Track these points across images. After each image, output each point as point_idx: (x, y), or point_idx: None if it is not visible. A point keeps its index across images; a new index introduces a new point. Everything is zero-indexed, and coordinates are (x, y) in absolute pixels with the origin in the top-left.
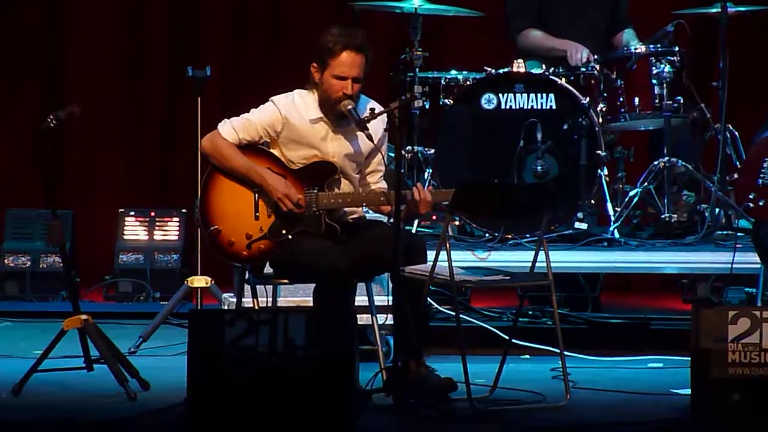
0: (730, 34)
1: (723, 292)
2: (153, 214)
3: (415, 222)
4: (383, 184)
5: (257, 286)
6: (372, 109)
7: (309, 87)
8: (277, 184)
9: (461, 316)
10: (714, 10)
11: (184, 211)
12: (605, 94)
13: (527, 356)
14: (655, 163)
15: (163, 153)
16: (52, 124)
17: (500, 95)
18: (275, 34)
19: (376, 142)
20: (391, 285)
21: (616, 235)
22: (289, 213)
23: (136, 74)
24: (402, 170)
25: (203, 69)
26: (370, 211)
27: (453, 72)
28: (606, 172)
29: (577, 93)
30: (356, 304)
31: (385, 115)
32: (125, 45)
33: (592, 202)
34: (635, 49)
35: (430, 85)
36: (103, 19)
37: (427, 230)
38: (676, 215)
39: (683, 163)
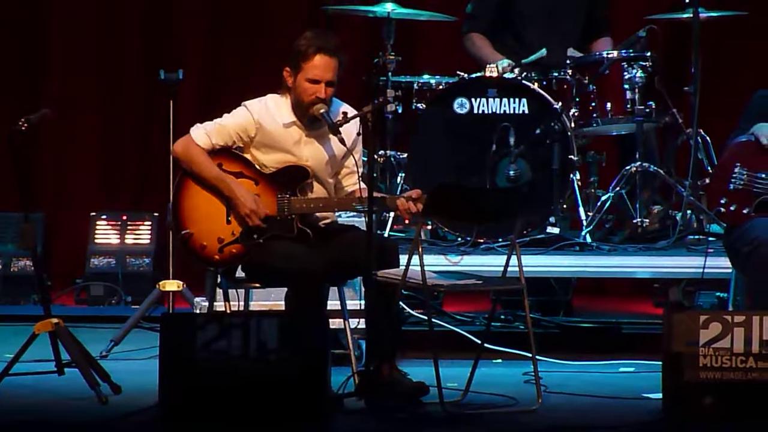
0: (703, 40)
1: (694, 296)
2: (125, 217)
3: (388, 226)
4: (360, 185)
5: (229, 290)
6: (345, 113)
7: (282, 91)
8: (245, 199)
9: (433, 320)
10: (686, 16)
11: (156, 214)
12: (578, 99)
13: (499, 360)
14: (627, 167)
15: (136, 156)
16: (23, 128)
17: (473, 100)
18: (250, 39)
19: (349, 145)
20: (363, 289)
21: (588, 239)
22: (254, 228)
23: (111, 77)
24: (375, 174)
25: (175, 72)
26: (342, 215)
27: (426, 76)
28: (578, 176)
29: (549, 98)
30: (329, 307)
31: (358, 118)
32: (101, 47)
33: (565, 206)
34: (607, 54)
35: (403, 90)
36: (80, 22)
37: (399, 234)
38: (648, 220)
39: (654, 168)
